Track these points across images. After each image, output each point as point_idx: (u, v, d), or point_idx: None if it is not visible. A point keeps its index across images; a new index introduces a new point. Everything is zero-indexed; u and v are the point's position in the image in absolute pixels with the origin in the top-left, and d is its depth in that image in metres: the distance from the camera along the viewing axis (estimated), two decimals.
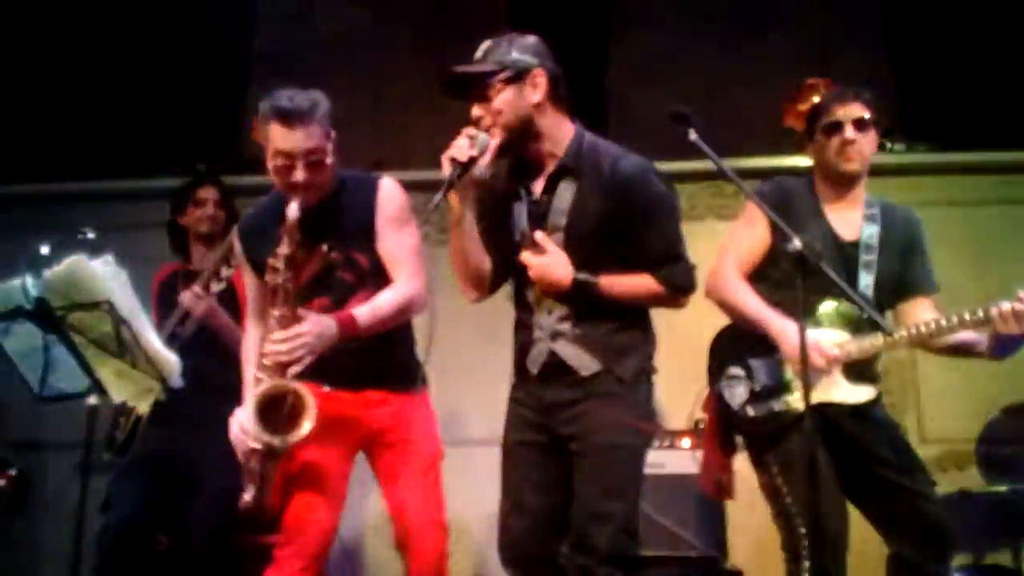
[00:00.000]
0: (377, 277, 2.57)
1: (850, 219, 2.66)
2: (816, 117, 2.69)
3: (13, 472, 4.34)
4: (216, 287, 3.16)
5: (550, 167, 2.37)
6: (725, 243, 2.71)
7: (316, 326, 2.37)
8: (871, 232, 2.63)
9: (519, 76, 2.29)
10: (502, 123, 2.29)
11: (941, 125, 4.69)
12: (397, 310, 2.52)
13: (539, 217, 2.37)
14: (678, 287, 2.35)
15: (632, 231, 2.31)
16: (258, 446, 2.38)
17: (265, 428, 2.34)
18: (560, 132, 2.38)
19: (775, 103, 4.81)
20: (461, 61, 2.38)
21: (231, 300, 3.27)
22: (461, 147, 2.24)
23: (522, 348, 2.43)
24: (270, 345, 2.37)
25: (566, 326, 2.34)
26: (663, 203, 2.35)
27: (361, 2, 5.59)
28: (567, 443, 2.33)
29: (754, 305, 2.57)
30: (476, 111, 2.32)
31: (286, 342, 2.34)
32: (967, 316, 2.46)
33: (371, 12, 5.56)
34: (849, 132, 2.60)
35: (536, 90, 2.31)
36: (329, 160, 2.51)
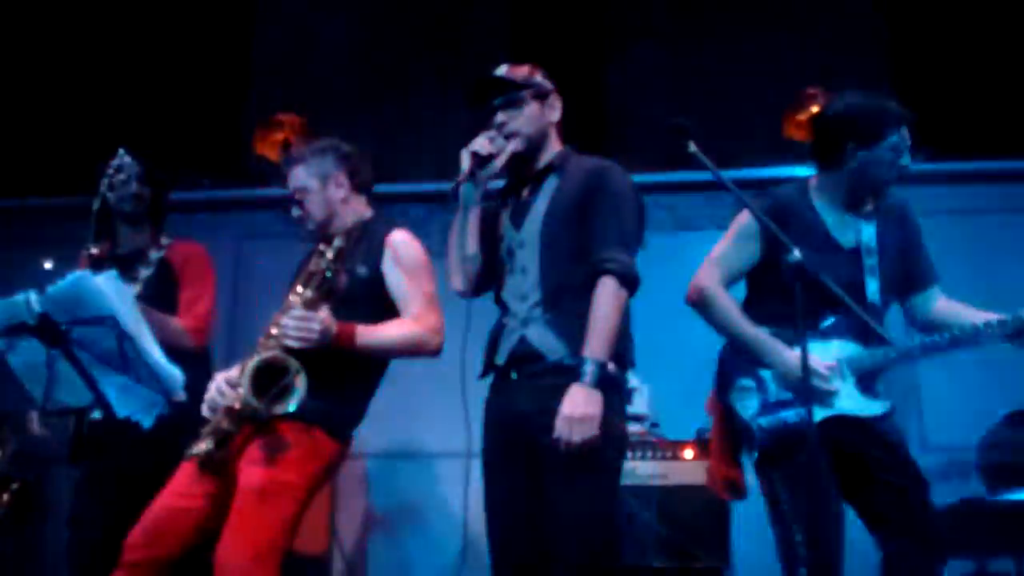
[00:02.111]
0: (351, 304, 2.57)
1: (848, 224, 2.61)
2: (880, 124, 2.53)
3: (15, 485, 4.34)
4: (144, 272, 3.03)
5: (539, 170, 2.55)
6: (713, 253, 2.63)
7: (328, 322, 2.44)
8: (869, 233, 2.59)
9: (545, 95, 2.54)
10: (526, 132, 2.49)
11: (941, 133, 4.68)
12: (402, 340, 2.56)
13: (523, 210, 2.51)
14: (628, 278, 2.36)
15: (596, 214, 2.41)
16: (237, 406, 2.41)
17: (254, 392, 2.37)
18: (556, 148, 2.59)
19: (775, 113, 4.83)
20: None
21: (165, 284, 3.08)
22: (482, 143, 2.44)
23: (493, 341, 2.51)
24: (288, 320, 2.42)
25: (537, 312, 2.42)
26: (629, 197, 2.46)
27: (362, 12, 5.61)
28: (543, 451, 2.33)
29: (741, 322, 2.54)
30: (501, 117, 2.48)
31: (303, 321, 2.40)
32: (982, 327, 2.47)
33: (372, 22, 5.58)
34: (908, 159, 2.55)
35: (554, 111, 2.56)
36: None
